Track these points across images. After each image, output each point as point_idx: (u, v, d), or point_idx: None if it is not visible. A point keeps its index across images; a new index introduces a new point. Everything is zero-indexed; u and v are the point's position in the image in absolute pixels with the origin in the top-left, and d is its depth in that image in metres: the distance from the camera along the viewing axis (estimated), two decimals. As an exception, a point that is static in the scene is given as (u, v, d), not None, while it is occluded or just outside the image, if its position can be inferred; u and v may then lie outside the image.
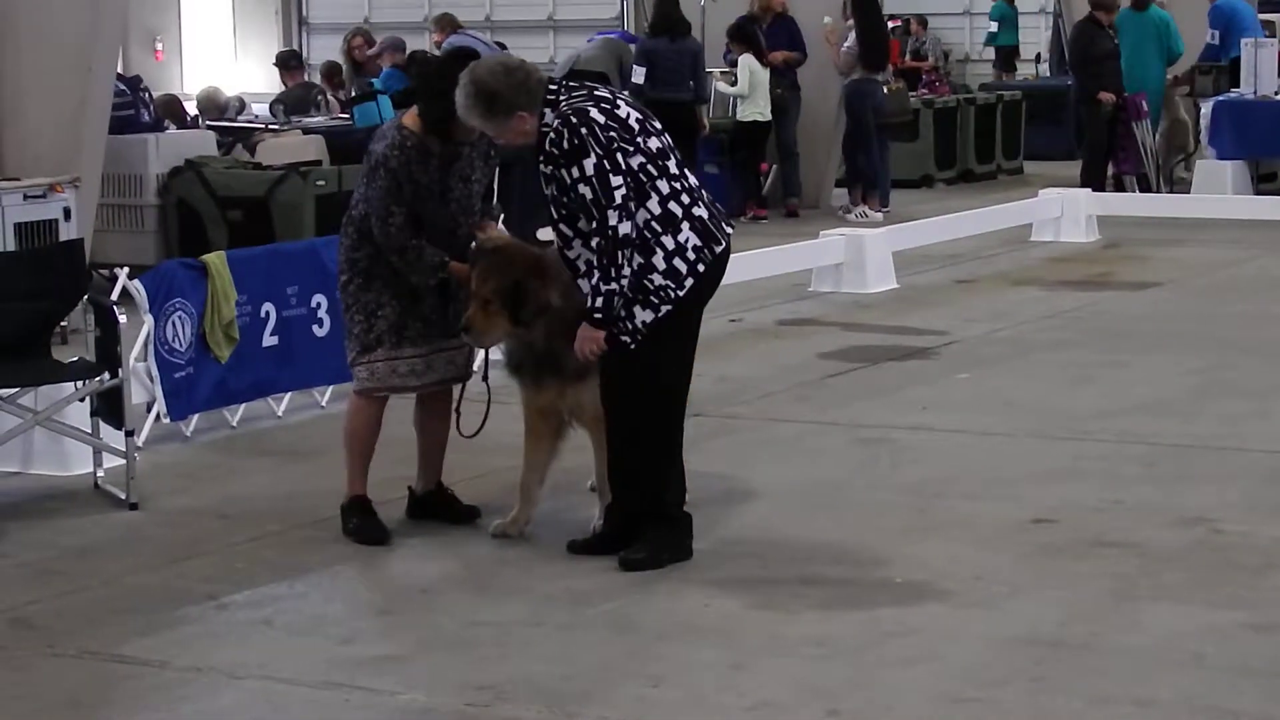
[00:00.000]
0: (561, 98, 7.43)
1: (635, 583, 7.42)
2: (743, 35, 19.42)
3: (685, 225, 7.45)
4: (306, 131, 17.07)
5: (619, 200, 7.29)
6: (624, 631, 6.89)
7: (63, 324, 10.06)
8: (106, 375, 8.73)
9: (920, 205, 20.00)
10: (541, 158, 7.41)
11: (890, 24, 25.07)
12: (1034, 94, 25.46)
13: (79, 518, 8.53)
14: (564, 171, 7.33)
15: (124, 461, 8.71)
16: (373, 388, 8.07)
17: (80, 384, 8.84)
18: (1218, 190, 19.71)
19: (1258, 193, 20.03)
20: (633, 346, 7.43)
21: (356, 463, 8.18)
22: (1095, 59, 20.27)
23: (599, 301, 7.35)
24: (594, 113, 7.37)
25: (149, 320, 9.52)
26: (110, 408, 8.83)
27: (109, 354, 8.76)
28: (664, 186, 7.44)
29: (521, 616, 7.04)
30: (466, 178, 8.01)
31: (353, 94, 19.34)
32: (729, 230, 7.68)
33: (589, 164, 7.28)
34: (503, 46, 19.63)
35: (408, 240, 7.84)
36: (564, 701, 6.17)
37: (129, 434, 8.73)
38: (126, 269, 9.65)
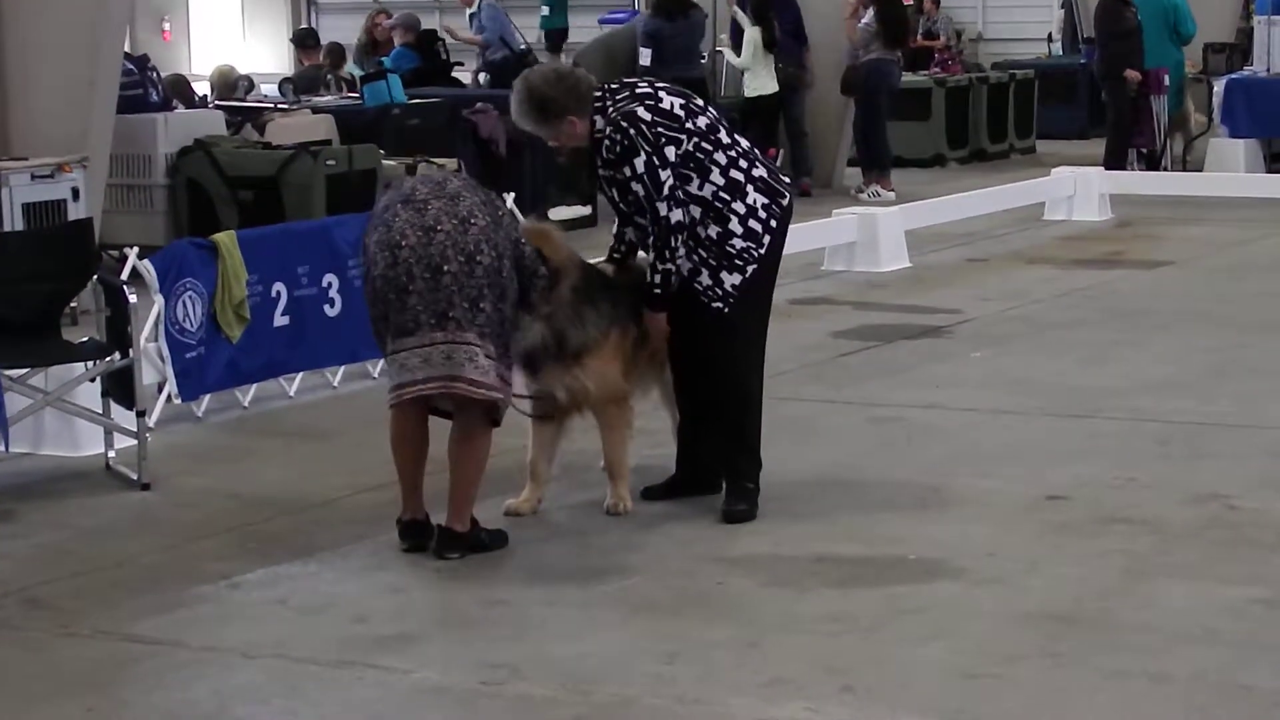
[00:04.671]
0: (608, 103, 7.76)
1: (649, 561, 7.41)
2: (759, 11, 19.24)
3: (750, 187, 7.85)
4: (316, 111, 17.03)
5: (667, 191, 7.67)
6: (638, 609, 6.88)
7: (73, 304, 10.05)
8: (117, 355, 8.72)
9: (933, 184, 19.95)
10: (600, 164, 7.79)
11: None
12: (1047, 73, 25.36)
13: (91, 498, 8.53)
14: (620, 172, 7.71)
15: (135, 442, 8.69)
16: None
17: (91, 364, 8.84)
18: (1230, 169, 19.66)
19: (1270, 171, 19.96)
20: (726, 311, 7.78)
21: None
22: (1120, 35, 20.10)
23: (657, 278, 7.76)
24: (640, 111, 7.74)
25: (159, 300, 9.49)
26: (121, 388, 8.82)
27: (119, 334, 8.75)
28: (721, 158, 7.83)
29: (536, 595, 7.04)
30: None
31: (359, 73, 19.36)
32: (787, 180, 8.13)
33: (639, 162, 7.67)
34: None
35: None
36: (579, 679, 6.16)
37: (140, 414, 8.72)
38: (136, 249, 9.63)
